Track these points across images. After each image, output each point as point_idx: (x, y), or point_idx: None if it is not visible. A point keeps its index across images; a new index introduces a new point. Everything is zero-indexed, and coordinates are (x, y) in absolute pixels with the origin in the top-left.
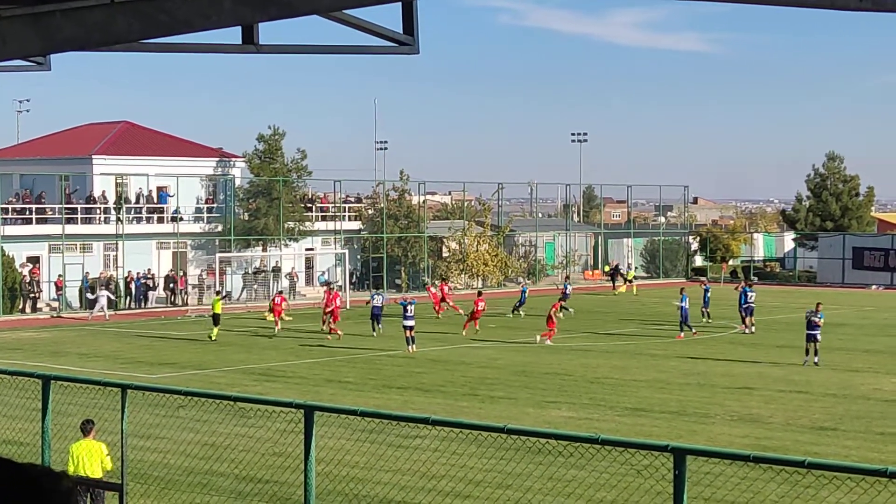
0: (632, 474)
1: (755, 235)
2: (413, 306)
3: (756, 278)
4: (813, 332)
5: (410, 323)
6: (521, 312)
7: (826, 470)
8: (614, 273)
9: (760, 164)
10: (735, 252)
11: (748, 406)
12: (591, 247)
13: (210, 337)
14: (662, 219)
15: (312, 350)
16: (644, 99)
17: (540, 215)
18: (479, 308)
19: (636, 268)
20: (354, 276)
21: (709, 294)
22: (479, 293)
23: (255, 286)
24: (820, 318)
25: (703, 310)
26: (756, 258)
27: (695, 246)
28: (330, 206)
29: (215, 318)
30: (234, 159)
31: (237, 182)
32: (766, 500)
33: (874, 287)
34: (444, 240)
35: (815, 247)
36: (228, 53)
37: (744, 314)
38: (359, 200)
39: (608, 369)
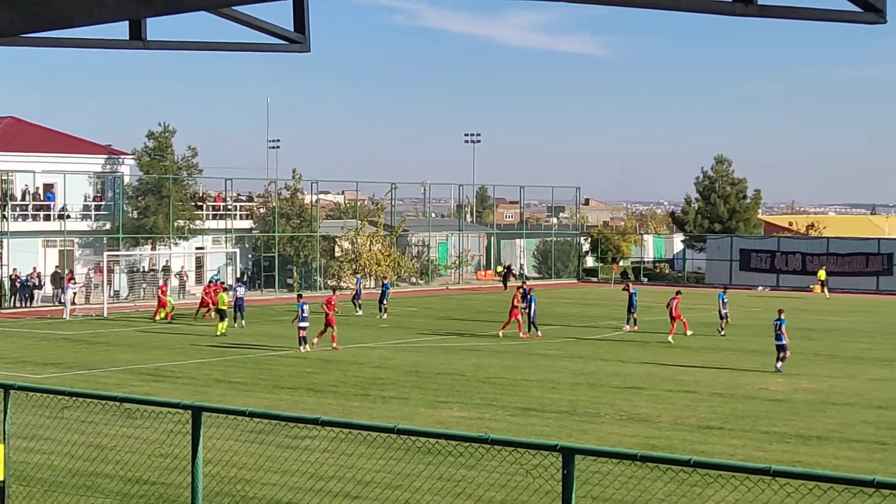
0: (521, 474)
1: (645, 237)
2: (308, 307)
3: (646, 279)
4: (779, 342)
5: (305, 324)
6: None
7: (712, 468)
8: (506, 274)
9: (651, 167)
10: (625, 253)
11: (637, 406)
12: (484, 247)
13: (219, 332)
14: (554, 220)
15: (202, 350)
16: (537, 101)
17: (433, 215)
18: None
19: (521, 269)
20: (246, 276)
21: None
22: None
23: (144, 285)
24: (781, 324)
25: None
26: (646, 259)
27: (586, 247)
28: (221, 204)
29: (221, 314)
30: (123, 156)
31: (126, 179)
32: (653, 498)
33: (760, 288)
34: (337, 239)
35: (704, 248)
36: (116, 49)
37: (631, 314)
38: (250, 199)
39: (499, 369)
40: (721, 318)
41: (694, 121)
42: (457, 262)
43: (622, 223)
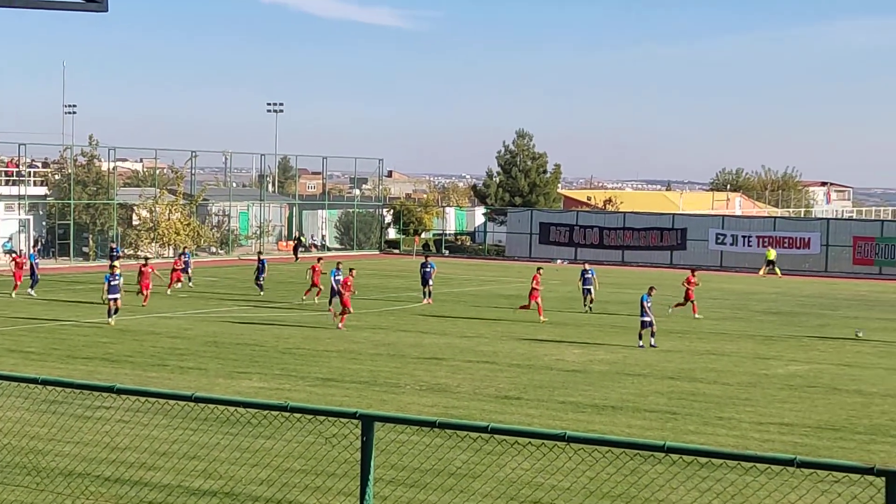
0: (320, 443)
1: (447, 209)
2: (121, 278)
3: (447, 252)
4: (644, 318)
5: (115, 295)
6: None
7: (508, 435)
8: (297, 245)
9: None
10: (427, 225)
11: (437, 376)
12: (286, 217)
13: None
14: (357, 191)
15: None
16: (341, 71)
17: (234, 185)
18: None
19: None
20: (40, 244)
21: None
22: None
23: None
24: (645, 300)
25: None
26: (447, 232)
27: (388, 219)
28: (14, 170)
29: None
30: None
31: None
32: (450, 465)
33: (559, 261)
34: (135, 207)
35: (505, 221)
36: None
37: (425, 286)
38: (45, 165)
39: (300, 340)
40: (589, 294)
41: (496, 95)
42: (258, 232)
43: (424, 195)
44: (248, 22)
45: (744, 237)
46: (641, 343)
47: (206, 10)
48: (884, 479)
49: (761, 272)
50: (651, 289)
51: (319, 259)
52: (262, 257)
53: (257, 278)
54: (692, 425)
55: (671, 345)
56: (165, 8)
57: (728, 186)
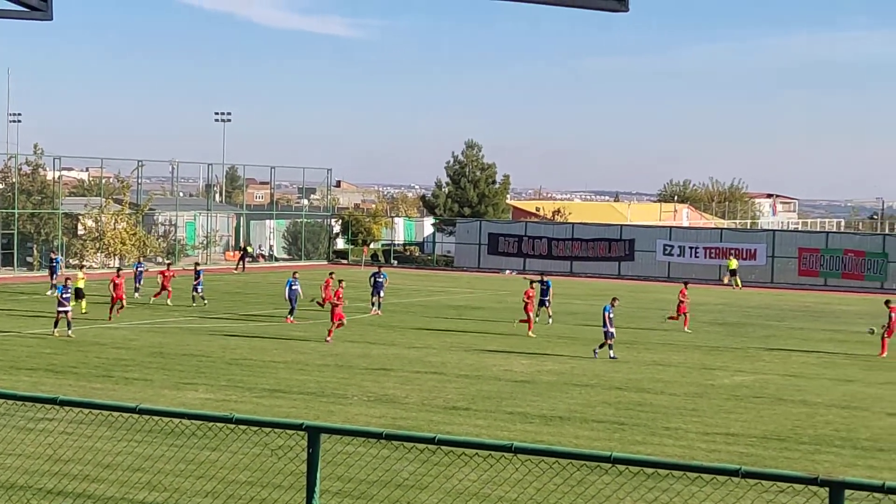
0: (266, 454)
1: (396, 220)
2: (72, 289)
3: (396, 262)
4: (607, 329)
5: (67, 308)
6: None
7: (455, 446)
8: (243, 255)
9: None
10: (376, 236)
11: (385, 387)
12: (233, 227)
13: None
14: (305, 201)
15: None
16: (289, 80)
17: (181, 194)
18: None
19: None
20: None
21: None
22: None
23: None
24: (608, 311)
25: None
26: (396, 242)
27: (337, 229)
28: None
29: (78, 292)
30: None
31: None
32: (397, 476)
33: (508, 272)
34: (81, 217)
35: (453, 232)
36: None
37: (375, 296)
38: None
39: (247, 350)
40: (544, 305)
41: (446, 105)
42: (205, 242)
43: (373, 205)
44: (195, 31)
45: (691, 248)
46: (598, 352)
47: (152, 19)
48: (827, 489)
49: (726, 280)
50: (614, 300)
51: (535, 282)
52: (198, 268)
53: (195, 289)
54: (639, 436)
55: (619, 355)
56: (111, 16)
57: (676, 198)
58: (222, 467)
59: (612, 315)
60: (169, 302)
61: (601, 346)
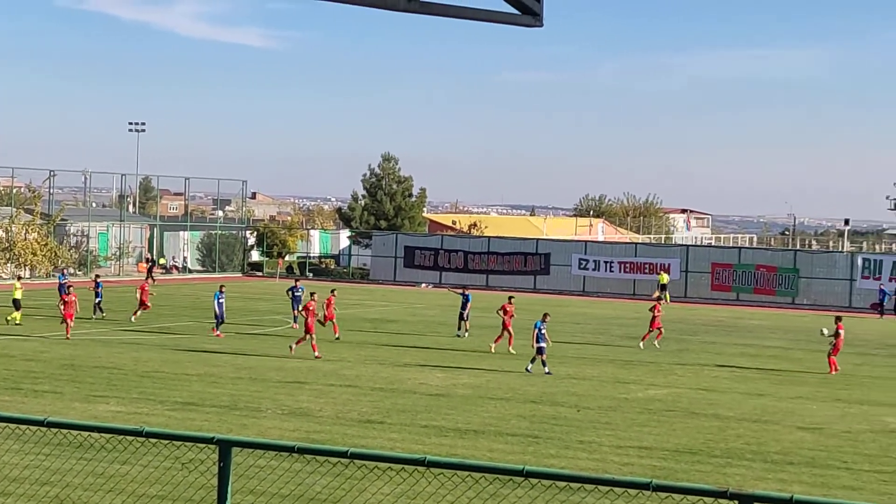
0: (177, 468)
1: (312, 232)
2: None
3: (311, 274)
4: (539, 344)
5: None
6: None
7: (369, 460)
8: (151, 266)
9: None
10: (291, 248)
11: (299, 400)
12: (147, 238)
13: (8, 320)
14: (220, 213)
15: None
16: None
17: (94, 205)
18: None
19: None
20: None
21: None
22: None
23: None
24: (539, 326)
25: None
26: (312, 254)
27: (252, 241)
28: None
29: (16, 303)
30: None
31: None
32: (310, 490)
33: (424, 285)
34: None
35: (370, 245)
36: None
37: (295, 310)
38: None
39: (159, 363)
40: (463, 318)
41: (362, 118)
42: (117, 253)
43: (289, 218)
44: (110, 40)
45: (606, 263)
46: (530, 368)
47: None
48: (737, 502)
49: (656, 294)
50: (545, 315)
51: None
52: (98, 279)
53: (96, 300)
54: (553, 449)
55: (534, 368)
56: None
57: (591, 212)
58: (132, 481)
59: (543, 330)
60: (133, 318)
61: (532, 362)
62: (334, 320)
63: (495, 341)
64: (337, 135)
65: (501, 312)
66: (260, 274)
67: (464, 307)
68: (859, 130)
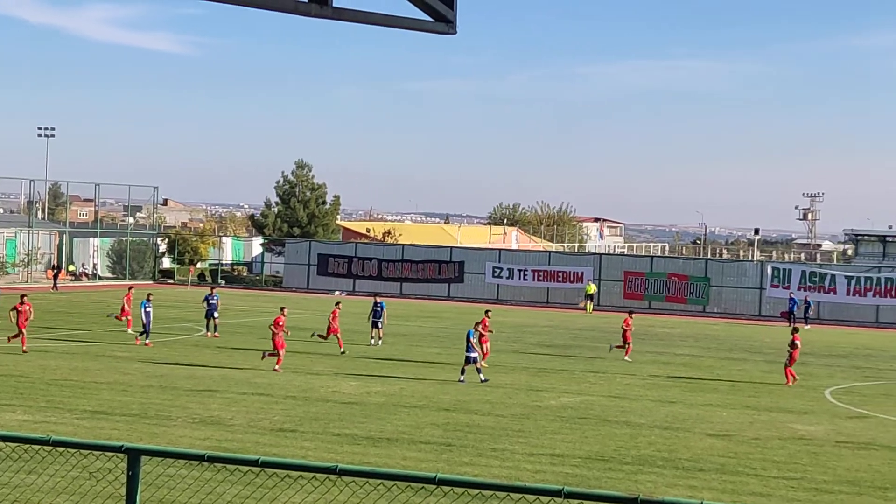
0: (85, 477)
1: (224, 239)
2: None
3: (223, 282)
4: (470, 353)
5: None
6: None
7: (280, 469)
8: (56, 273)
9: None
10: (203, 255)
11: (210, 409)
12: (56, 245)
13: None
14: (131, 219)
15: None
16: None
17: (1, 211)
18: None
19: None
20: None
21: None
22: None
23: None
24: (471, 335)
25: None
26: (224, 262)
27: (163, 248)
28: None
29: None
30: None
31: None
32: (220, 499)
33: (337, 293)
34: None
35: (283, 252)
36: None
37: (210, 318)
38: None
39: (68, 371)
40: (376, 327)
41: (276, 125)
42: (25, 260)
43: (201, 225)
44: (18, 43)
45: (520, 271)
46: (463, 378)
47: None
48: None
49: (581, 304)
50: (477, 324)
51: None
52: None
53: None
54: (466, 457)
55: (447, 376)
56: None
57: (505, 221)
58: (39, 490)
59: (475, 339)
60: (130, 330)
61: (464, 371)
62: (339, 334)
63: (483, 358)
64: (250, 141)
65: (480, 328)
66: (171, 281)
67: (377, 315)
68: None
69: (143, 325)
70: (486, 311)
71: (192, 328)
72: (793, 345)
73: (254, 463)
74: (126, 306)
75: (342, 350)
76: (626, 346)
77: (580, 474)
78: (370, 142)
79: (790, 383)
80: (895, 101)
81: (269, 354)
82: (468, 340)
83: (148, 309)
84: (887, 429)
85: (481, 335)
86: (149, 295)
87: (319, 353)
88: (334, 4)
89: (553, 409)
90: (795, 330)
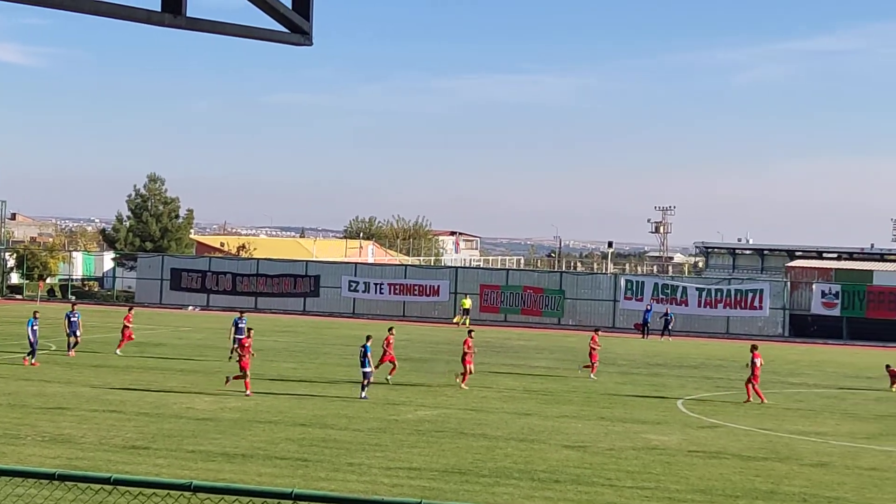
0: None
1: (74, 254)
2: None
3: (74, 297)
4: (365, 369)
5: None
6: None
7: (133, 486)
8: None
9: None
10: (53, 270)
11: (61, 426)
12: None
13: None
14: None
15: None
16: None
17: None
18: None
19: None
20: None
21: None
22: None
23: None
24: (368, 351)
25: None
26: (74, 277)
27: (11, 263)
28: None
29: None
30: None
31: None
32: None
33: (191, 308)
34: None
35: (135, 267)
36: None
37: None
38: None
39: None
40: (233, 342)
41: (127, 138)
42: None
43: (51, 239)
44: None
45: (376, 285)
46: (364, 395)
47: None
48: None
49: (457, 320)
50: (368, 337)
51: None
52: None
53: None
54: (323, 472)
55: (303, 391)
56: None
57: (361, 234)
58: None
59: (369, 355)
60: (118, 351)
61: (364, 388)
62: (395, 361)
63: (463, 379)
64: (101, 154)
65: (465, 348)
66: (20, 297)
67: (239, 332)
68: (621, 155)
69: (31, 345)
70: (390, 329)
71: (43, 345)
72: (752, 363)
73: (106, 481)
74: None
75: (388, 378)
76: (592, 365)
77: (437, 487)
78: (224, 155)
79: (749, 400)
80: (742, 117)
81: (235, 378)
82: (364, 356)
83: (35, 327)
84: (737, 438)
85: (465, 353)
86: (35, 312)
87: (173, 369)
88: (188, 14)
89: (410, 422)
90: (755, 347)
